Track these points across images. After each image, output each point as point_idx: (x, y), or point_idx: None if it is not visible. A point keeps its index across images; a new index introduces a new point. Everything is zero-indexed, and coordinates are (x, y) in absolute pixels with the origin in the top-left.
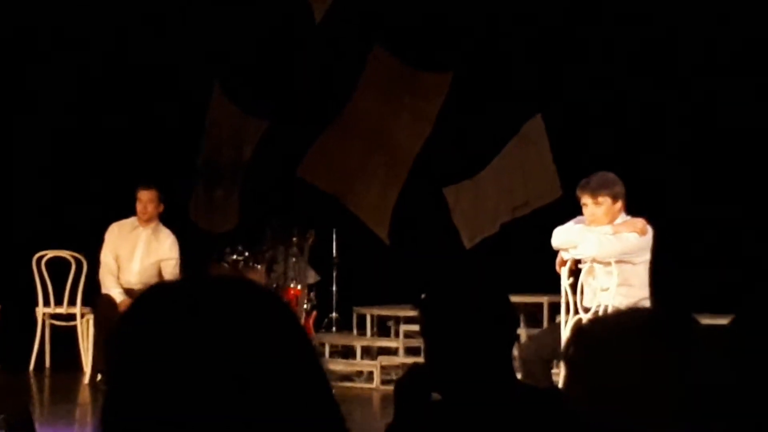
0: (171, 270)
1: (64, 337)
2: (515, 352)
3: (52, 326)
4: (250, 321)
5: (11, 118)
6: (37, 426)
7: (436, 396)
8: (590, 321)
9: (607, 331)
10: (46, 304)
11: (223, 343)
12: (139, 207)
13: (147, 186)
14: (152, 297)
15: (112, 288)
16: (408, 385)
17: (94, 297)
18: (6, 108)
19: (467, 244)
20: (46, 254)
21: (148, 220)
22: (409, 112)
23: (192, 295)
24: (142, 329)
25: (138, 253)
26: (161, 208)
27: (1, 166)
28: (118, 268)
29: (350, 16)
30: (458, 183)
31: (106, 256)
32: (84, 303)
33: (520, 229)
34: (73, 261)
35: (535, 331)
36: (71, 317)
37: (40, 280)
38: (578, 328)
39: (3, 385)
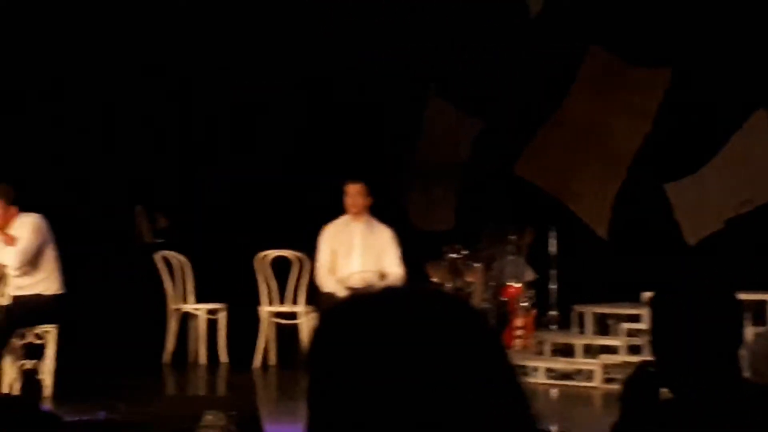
0: (393, 262)
1: (288, 335)
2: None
3: (276, 325)
4: (441, 332)
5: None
6: (263, 422)
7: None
8: None
9: None
10: (270, 303)
11: (414, 354)
12: (348, 201)
13: (354, 180)
14: (343, 310)
15: (332, 285)
16: (636, 384)
17: (317, 295)
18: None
19: (691, 240)
20: (269, 254)
21: (358, 213)
22: (626, 108)
23: (382, 307)
24: (334, 341)
25: (356, 249)
26: (369, 201)
27: (223, 170)
28: (337, 265)
29: (565, 12)
30: (680, 179)
31: (323, 255)
32: (307, 301)
33: (745, 225)
34: (295, 260)
35: (761, 329)
36: (294, 315)
37: (264, 279)
38: None
39: (231, 383)
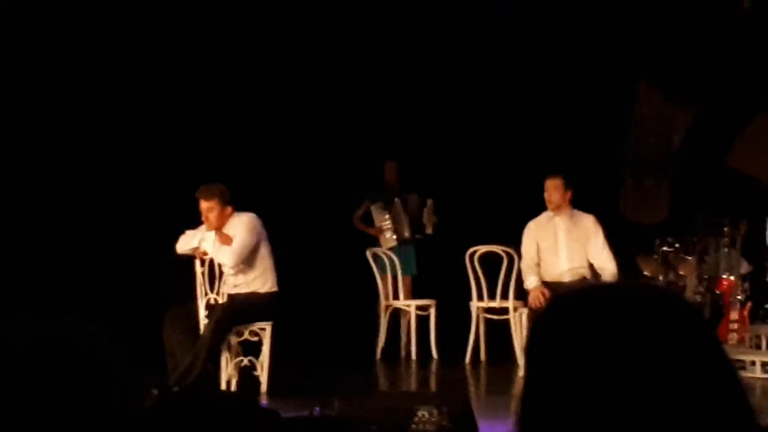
0: (597, 249)
1: (498, 331)
2: None
3: (486, 320)
4: (657, 329)
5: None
6: (476, 417)
7: None
8: None
9: None
10: (480, 298)
11: (631, 352)
12: (545, 196)
13: (553, 174)
14: (561, 304)
15: (533, 283)
16: None
17: (526, 291)
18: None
19: None
20: (478, 249)
21: (555, 208)
22: None
23: (601, 305)
24: (553, 335)
25: (561, 243)
26: (569, 194)
27: (453, 169)
28: (544, 262)
29: None
30: None
31: (527, 252)
32: (516, 297)
33: None
34: (504, 255)
35: None
36: (504, 311)
37: (474, 275)
38: None
39: (442, 379)
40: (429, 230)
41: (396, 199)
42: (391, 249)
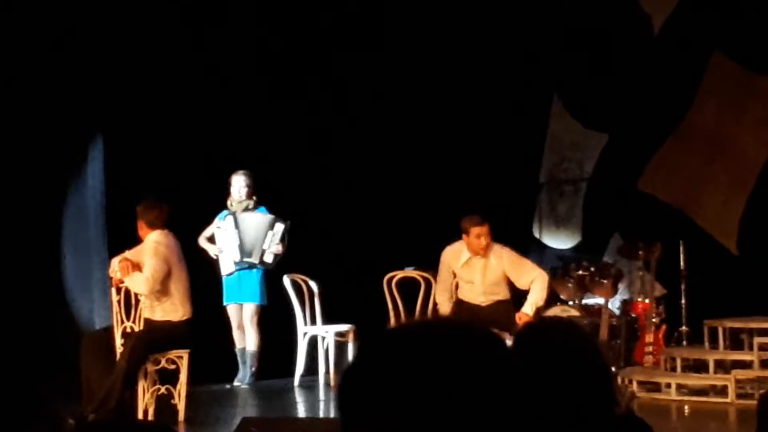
0: (528, 278)
1: None
2: None
3: None
4: (467, 367)
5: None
6: None
7: None
8: None
9: None
10: (399, 323)
11: (442, 386)
12: (476, 242)
13: (481, 221)
14: (374, 344)
15: (446, 307)
16: None
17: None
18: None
19: None
20: (396, 275)
21: (480, 252)
22: (752, 118)
23: (414, 341)
24: (366, 373)
25: (478, 283)
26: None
27: (368, 191)
28: (462, 289)
29: (689, 24)
30: None
31: (444, 281)
32: None
33: None
34: (422, 281)
35: None
36: None
37: (392, 300)
38: None
39: None
40: (267, 258)
41: (228, 216)
42: (231, 273)
